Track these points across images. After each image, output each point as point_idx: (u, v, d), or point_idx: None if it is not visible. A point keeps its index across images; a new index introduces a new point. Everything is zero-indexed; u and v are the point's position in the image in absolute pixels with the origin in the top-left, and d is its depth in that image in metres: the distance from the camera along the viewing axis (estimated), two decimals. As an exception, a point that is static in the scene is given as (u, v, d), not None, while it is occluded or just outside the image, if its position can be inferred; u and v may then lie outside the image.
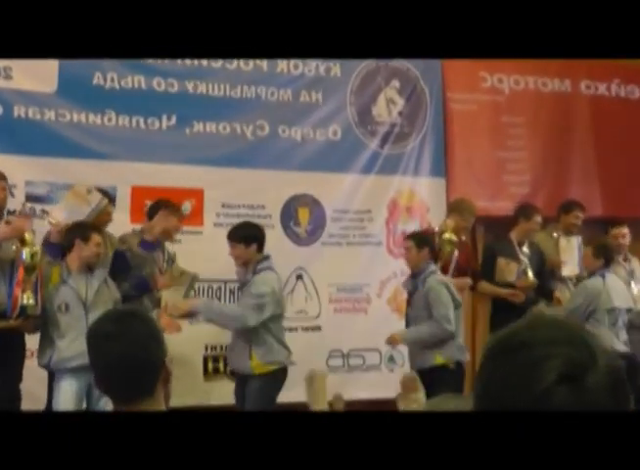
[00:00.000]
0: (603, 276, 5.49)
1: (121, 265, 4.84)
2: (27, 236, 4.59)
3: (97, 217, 4.88)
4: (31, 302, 4.50)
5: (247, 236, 4.78)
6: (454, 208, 5.89)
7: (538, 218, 6.07)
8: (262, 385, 4.73)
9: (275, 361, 4.75)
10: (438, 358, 4.99)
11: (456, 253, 5.59)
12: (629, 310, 5.64)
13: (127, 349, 1.86)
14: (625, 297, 5.60)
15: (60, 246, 4.70)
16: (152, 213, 5.12)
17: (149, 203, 5.45)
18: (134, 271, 4.88)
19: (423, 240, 5.18)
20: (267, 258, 4.80)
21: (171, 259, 5.17)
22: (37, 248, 4.60)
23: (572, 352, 1.03)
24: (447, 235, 5.59)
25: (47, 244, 4.71)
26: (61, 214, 4.78)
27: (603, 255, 5.48)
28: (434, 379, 4.86)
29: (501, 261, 5.98)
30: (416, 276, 5.15)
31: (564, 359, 1.02)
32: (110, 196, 5.18)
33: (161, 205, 5.12)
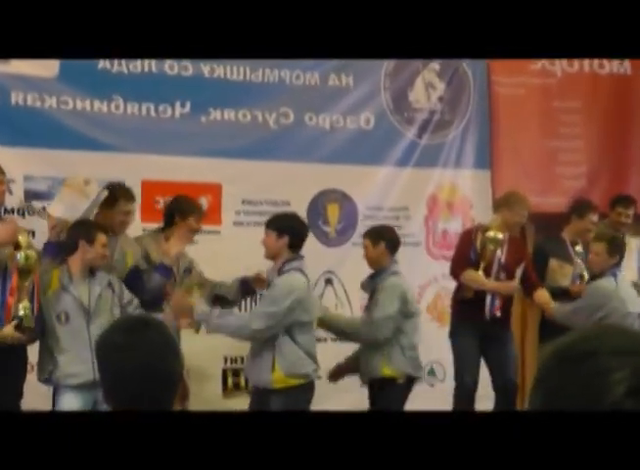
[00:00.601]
0: (615, 276, 5.07)
1: (136, 286, 4.65)
2: (22, 238, 4.40)
3: (107, 216, 4.68)
4: (27, 312, 4.32)
5: (282, 226, 4.51)
6: (503, 202, 5.55)
7: (593, 217, 5.76)
8: (286, 402, 4.35)
9: (300, 374, 4.43)
10: (385, 369, 4.80)
11: (499, 252, 5.30)
12: None
13: (141, 361, 1.78)
14: (636, 300, 5.21)
15: (58, 245, 4.54)
16: (168, 219, 4.92)
17: (161, 200, 5.30)
18: (150, 293, 4.74)
19: (377, 234, 4.91)
20: (299, 258, 4.53)
21: (188, 269, 4.98)
22: (33, 251, 4.42)
23: None
24: (491, 233, 5.28)
25: (46, 243, 4.60)
26: (57, 211, 4.62)
27: (618, 252, 5.05)
28: (377, 392, 4.78)
29: (554, 263, 5.68)
30: (375, 276, 4.90)
31: (633, 370, 1.00)
32: (127, 190, 4.90)
33: (177, 209, 4.88)
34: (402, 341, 4.79)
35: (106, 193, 4.63)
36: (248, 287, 4.94)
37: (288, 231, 4.48)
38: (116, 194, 4.75)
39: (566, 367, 1.03)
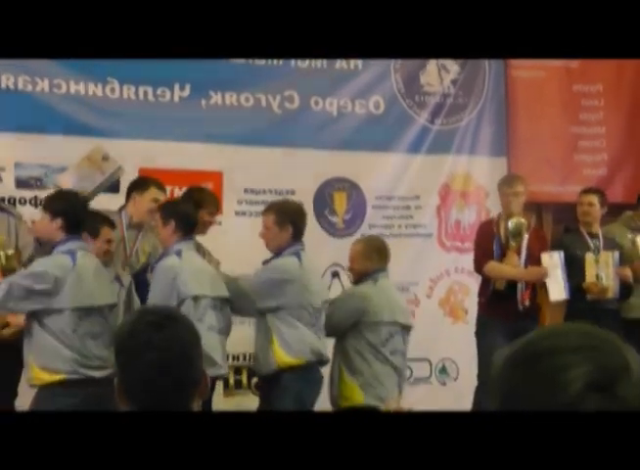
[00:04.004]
0: (299, 256, 4.45)
1: (142, 285, 4.43)
2: None
3: (137, 203, 4.57)
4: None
5: (53, 207, 4.09)
6: (500, 184, 5.39)
7: (591, 198, 5.44)
8: (40, 403, 3.91)
9: (54, 370, 3.93)
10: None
11: (526, 236, 5.15)
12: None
13: (171, 361, 1.72)
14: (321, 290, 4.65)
15: None
16: None
17: (170, 189, 5.12)
18: None
19: (168, 210, 4.33)
20: (73, 239, 4.04)
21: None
22: (12, 250, 4.32)
23: (602, 360, 1.01)
24: (514, 219, 5.11)
25: None
26: (69, 181, 4.51)
27: (290, 224, 4.45)
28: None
29: (589, 257, 5.33)
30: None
31: (592, 367, 1.00)
32: (157, 178, 4.74)
33: (206, 201, 4.72)
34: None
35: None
36: None
37: (60, 212, 4.03)
38: (147, 182, 4.66)
39: (522, 367, 1.04)
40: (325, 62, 5.69)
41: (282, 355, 4.31)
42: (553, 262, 5.14)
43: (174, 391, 1.73)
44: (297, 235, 4.48)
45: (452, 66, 5.99)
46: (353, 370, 4.48)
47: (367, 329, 4.49)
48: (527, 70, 6.08)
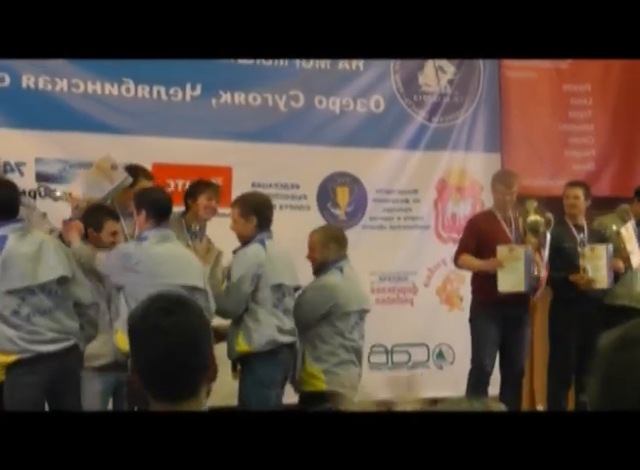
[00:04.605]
0: (263, 243, 4.53)
1: None
2: None
3: (126, 193, 4.60)
4: None
5: None
6: (496, 179, 5.44)
7: (576, 192, 5.49)
8: (7, 390, 3.97)
9: (6, 351, 3.95)
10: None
11: (548, 234, 5.16)
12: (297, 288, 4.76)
13: (179, 346, 1.73)
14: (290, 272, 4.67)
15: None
16: (185, 204, 4.86)
17: (172, 183, 5.32)
18: None
19: (139, 199, 4.28)
20: (1, 226, 3.94)
21: (200, 233, 4.94)
22: None
23: None
24: (532, 217, 5.13)
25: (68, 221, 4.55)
26: (78, 190, 4.58)
27: (255, 214, 4.52)
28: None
29: (586, 250, 5.42)
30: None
31: None
32: (146, 169, 4.86)
33: (188, 192, 4.90)
34: None
35: (130, 180, 4.59)
36: None
37: None
38: (136, 173, 4.73)
39: (620, 353, 1.09)
40: (328, 63, 5.75)
41: (242, 345, 4.45)
42: (513, 255, 5.07)
43: (182, 375, 1.74)
44: (263, 224, 4.54)
45: (449, 67, 6.05)
46: (317, 357, 4.62)
47: (338, 319, 4.64)
48: (520, 71, 6.14)
